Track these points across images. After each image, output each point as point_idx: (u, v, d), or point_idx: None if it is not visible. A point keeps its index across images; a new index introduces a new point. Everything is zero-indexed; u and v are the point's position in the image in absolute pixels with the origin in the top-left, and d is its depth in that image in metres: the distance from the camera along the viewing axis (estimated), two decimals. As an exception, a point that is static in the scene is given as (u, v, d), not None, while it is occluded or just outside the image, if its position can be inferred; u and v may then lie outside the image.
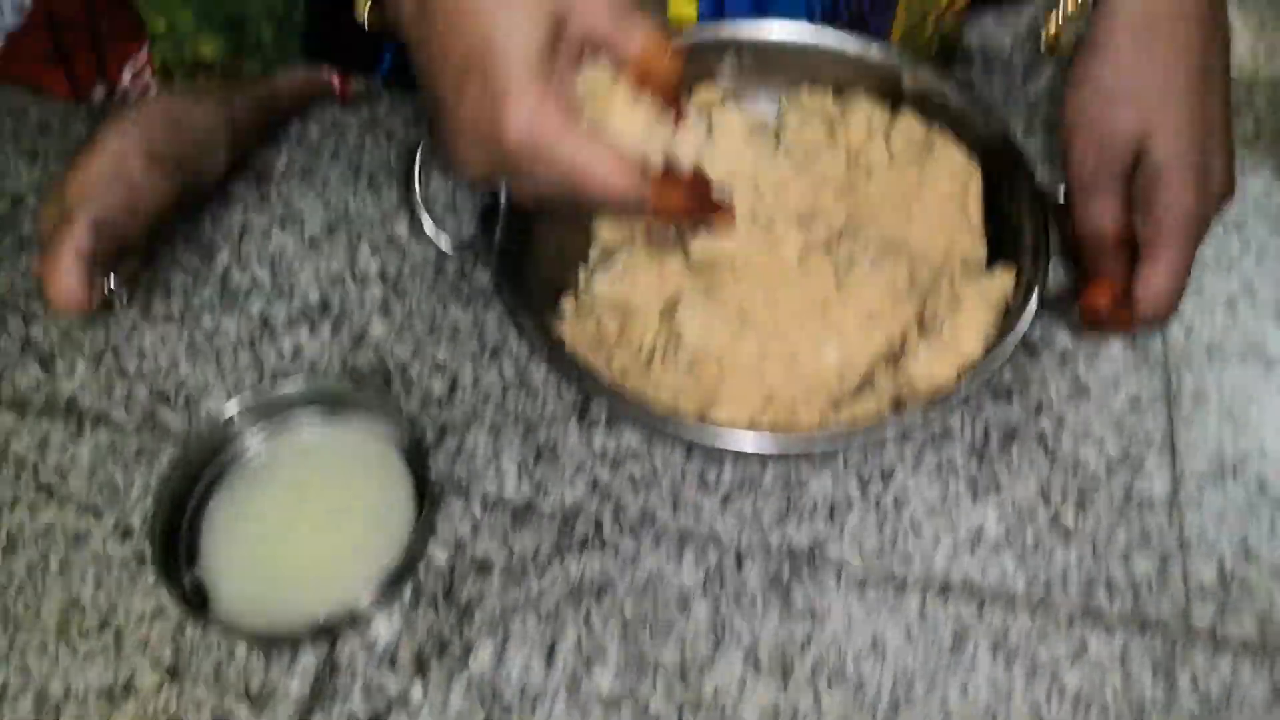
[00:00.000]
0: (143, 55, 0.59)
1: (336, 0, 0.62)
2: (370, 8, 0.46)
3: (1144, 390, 0.58)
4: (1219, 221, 0.52)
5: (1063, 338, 0.59)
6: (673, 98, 0.42)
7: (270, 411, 0.55)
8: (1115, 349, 0.59)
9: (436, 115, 0.43)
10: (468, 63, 0.40)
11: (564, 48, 0.40)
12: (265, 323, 0.61)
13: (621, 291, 0.53)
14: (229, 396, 0.58)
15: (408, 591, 0.51)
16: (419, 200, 0.53)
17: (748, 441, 0.47)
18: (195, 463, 0.53)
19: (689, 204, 0.43)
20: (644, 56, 0.41)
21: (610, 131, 0.41)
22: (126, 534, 0.53)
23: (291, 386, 0.54)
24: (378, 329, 0.61)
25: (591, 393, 0.51)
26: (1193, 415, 0.57)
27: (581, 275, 0.58)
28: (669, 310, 0.53)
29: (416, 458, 0.53)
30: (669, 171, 0.43)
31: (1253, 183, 0.68)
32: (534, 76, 0.39)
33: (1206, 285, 0.63)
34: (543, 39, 0.39)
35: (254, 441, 0.55)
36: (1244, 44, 0.77)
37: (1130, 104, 0.48)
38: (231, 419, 0.54)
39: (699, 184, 0.44)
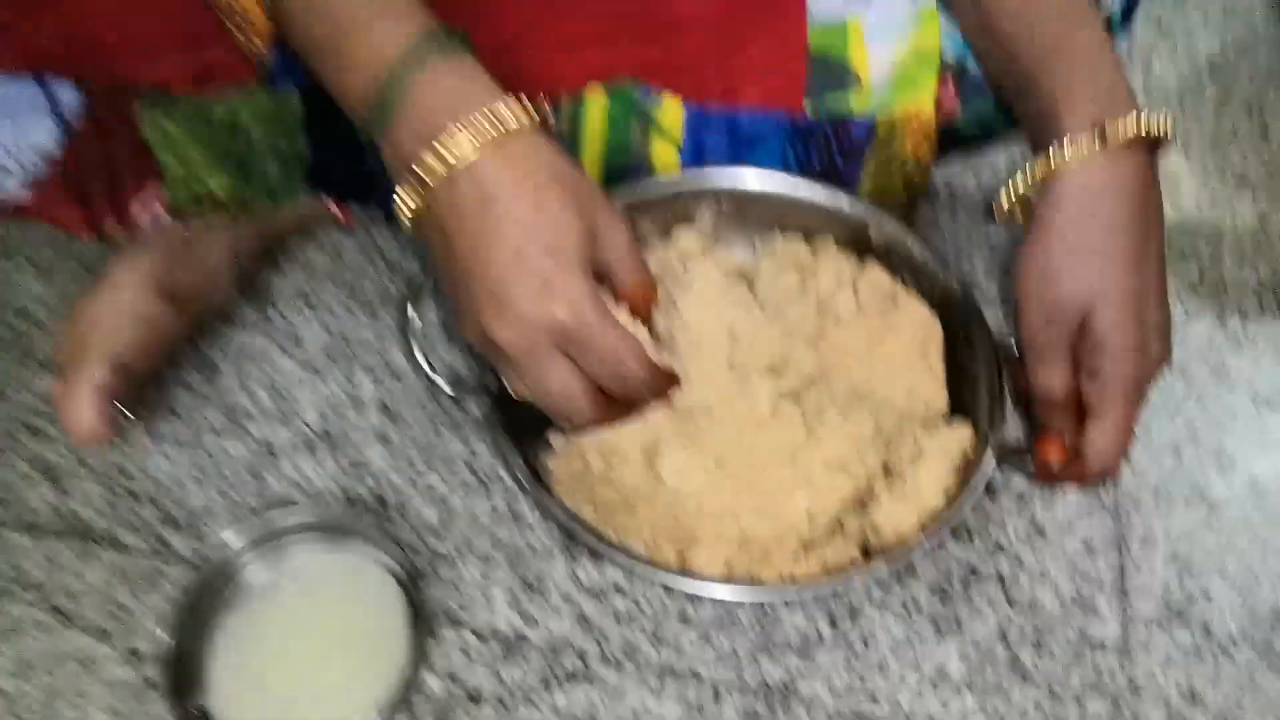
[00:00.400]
0: (155, 192, 0.63)
1: (336, 138, 0.67)
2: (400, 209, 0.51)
3: (1096, 533, 0.62)
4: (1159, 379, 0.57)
5: (1020, 481, 0.64)
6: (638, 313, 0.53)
7: (273, 540, 0.58)
8: (1069, 492, 0.64)
9: (465, 303, 0.49)
10: (520, 254, 0.46)
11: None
12: (268, 448, 0.64)
13: (606, 435, 0.57)
14: (234, 521, 0.61)
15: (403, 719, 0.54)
16: (416, 346, 0.57)
17: (722, 591, 0.52)
18: (202, 591, 0.56)
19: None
20: (638, 289, 0.51)
21: None
22: (136, 658, 0.56)
23: (293, 517, 0.58)
24: (375, 457, 0.64)
25: (575, 535, 0.55)
26: (1141, 558, 0.61)
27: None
28: (650, 453, 0.57)
29: (412, 586, 0.56)
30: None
31: (1196, 329, 0.74)
32: (581, 271, 0.46)
33: (1153, 430, 0.68)
34: (587, 247, 0.47)
35: (257, 570, 0.58)
36: (1189, 194, 0.84)
37: (1074, 279, 0.53)
38: (236, 549, 0.57)
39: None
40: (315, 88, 0.63)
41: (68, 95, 0.60)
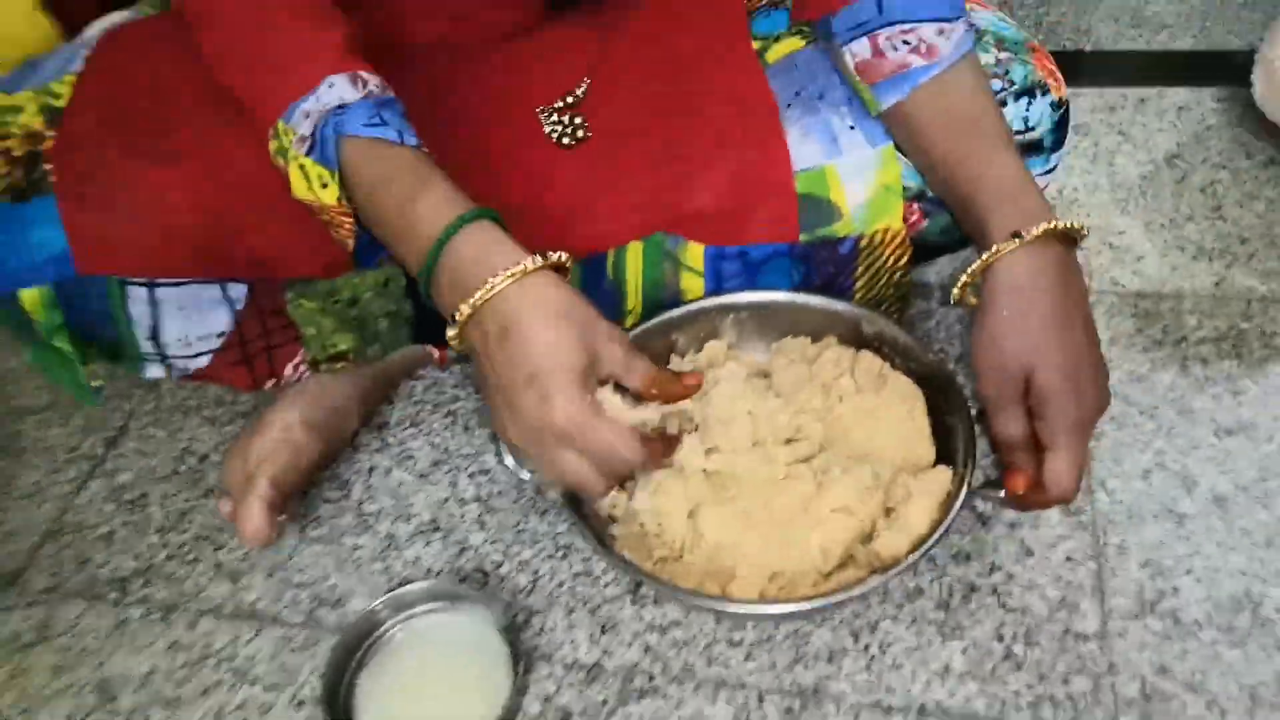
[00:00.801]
0: (299, 354, 0.82)
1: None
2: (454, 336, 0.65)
3: (1077, 548, 0.74)
4: (1107, 419, 0.69)
5: (1010, 511, 0.76)
6: (665, 398, 0.66)
7: (401, 606, 0.74)
8: (1053, 516, 0.76)
9: (497, 409, 0.63)
10: (531, 376, 0.59)
11: (592, 377, 0.62)
12: (391, 539, 0.81)
13: (656, 503, 0.72)
14: (369, 597, 0.77)
15: (509, 739, 0.68)
16: (503, 445, 0.74)
17: (759, 609, 0.65)
18: (349, 647, 0.72)
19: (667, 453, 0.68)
20: (644, 383, 0.65)
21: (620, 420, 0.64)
22: (300, 704, 0.72)
23: (415, 587, 0.74)
24: (476, 538, 0.80)
25: (639, 580, 0.69)
26: (1118, 566, 0.73)
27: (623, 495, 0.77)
28: (692, 514, 0.72)
29: (511, 635, 0.71)
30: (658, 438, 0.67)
31: (1162, 376, 0.86)
32: (576, 384, 0.60)
33: (1127, 461, 0.80)
34: (582, 364, 0.61)
35: (390, 629, 0.74)
36: (1152, 266, 0.97)
37: (1015, 345, 0.65)
38: (373, 611, 0.73)
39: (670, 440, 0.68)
40: None
41: (235, 289, 0.78)
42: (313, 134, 0.64)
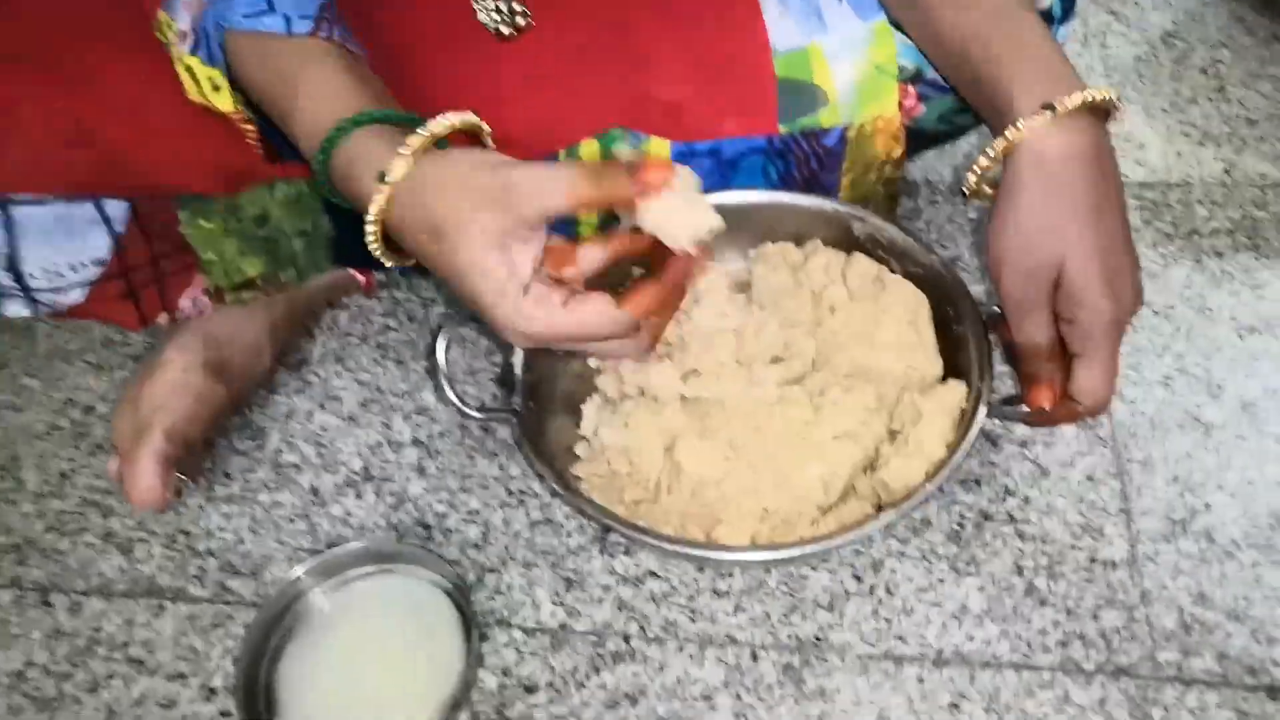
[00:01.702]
0: (198, 284, 0.72)
1: (353, 213, 0.75)
2: (382, 250, 0.57)
3: (1097, 466, 0.67)
4: (1136, 320, 0.62)
5: (1021, 429, 0.69)
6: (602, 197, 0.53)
7: (329, 571, 0.65)
8: (1069, 432, 0.69)
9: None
10: (472, 297, 0.53)
11: (516, 241, 0.52)
12: (315, 493, 0.72)
13: (627, 437, 0.64)
14: (290, 563, 0.68)
15: (465, 717, 0.60)
16: (444, 377, 0.64)
17: (751, 555, 0.57)
18: (268, 623, 0.62)
19: (667, 297, 0.56)
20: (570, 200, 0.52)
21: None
22: (212, 694, 0.62)
23: (346, 548, 0.65)
24: (415, 488, 0.71)
25: (610, 528, 0.61)
26: (1143, 483, 0.67)
27: (588, 421, 0.68)
28: (669, 448, 0.63)
29: (461, 597, 0.63)
30: (637, 287, 0.55)
31: (1176, 273, 0.80)
32: (510, 295, 0.52)
33: (1144, 367, 0.73)
34: (502, 264, 0.51)
35: (317, 599, 0.64)
36: (1156, 154, 0.90)
37: (1043, 238, 0.58)
38: (296, 580, 0.64)
39: (663, 282, 0.55)
40: None
41: (115, 208, 0.67)
42: (194, 26, 0.57)
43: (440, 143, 0.55)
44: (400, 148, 0.52)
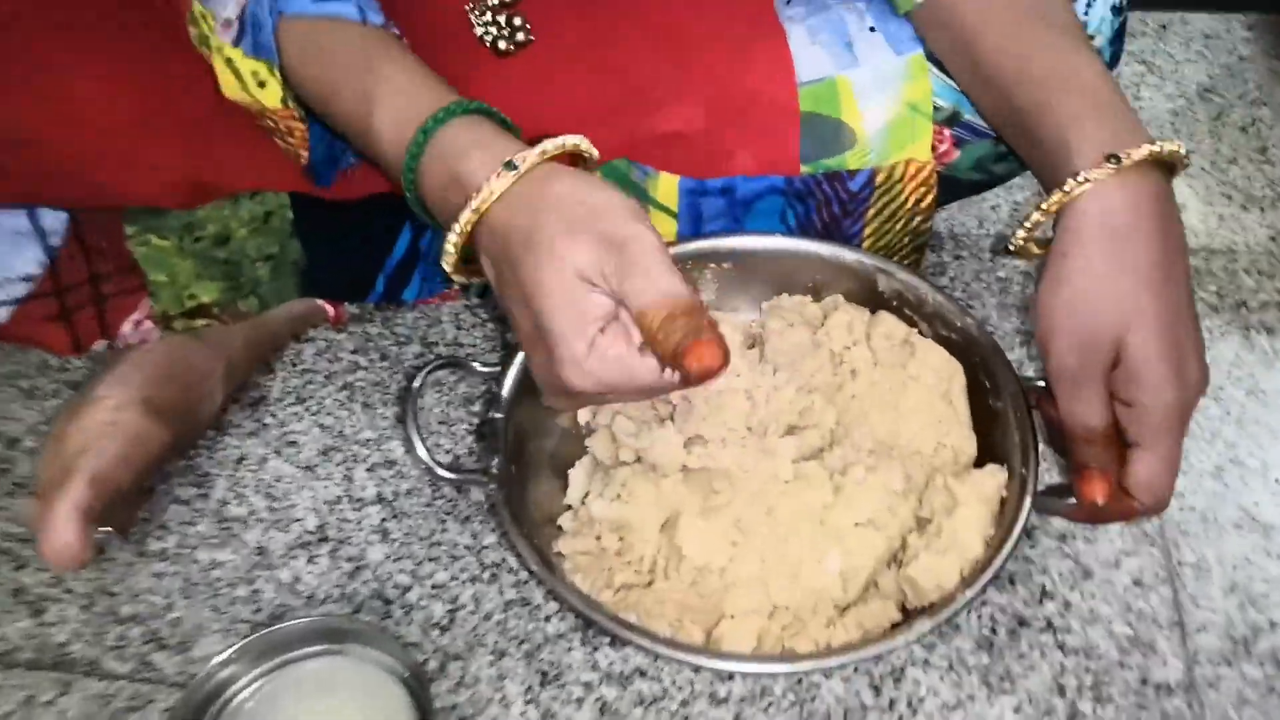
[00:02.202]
0: (143, 308, 0.63)
1: (328, 239, 0.67)
2: (456, 266, 0.51)
3: (1145, 568, 0.60)
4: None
5: (1058, 520, 0.62)
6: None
7: (266, 651, 0.56)
8: (1112, 527, 0.62)
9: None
10: (534, 326, 0.47)
11: (605, 287, 0.46)
12: (262, 553, 0.63)
13: (620, 510, 0.56)
14: (225, 636, 0.59)
15: (419, 837, 0.51)
16: (414, 429, 0.56)
17: (754, 666, 0.49)
18: (195, 710, 0.54)
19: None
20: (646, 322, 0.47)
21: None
22: (123, 794, 0.53)
23: (287, 625, 0.56)
24: (376, 553, 0.63)
25: (591, 622, 0.53)
26: (1197, 591, 0.59)
27: (575, 488, 0.60)
28: (668, 526, 0.55)
29: (419, 687, 0.54)
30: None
31: (1223, 349, 0.73)
32: (587, 332, 0.46)
33: (1192, 454, 0.66)
34: (588, 298, 0.46)
35: (250, 684, 0.55)
36: (1197, 216, 0.84)
37: (1103, 305, 0.52)
38: (226, 660, 0.55)
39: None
40: (304, 195, 0.64)
41: (52, 219, 0.60)
42: (241, 15, 0.53)
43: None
44: (516, 157, 0.48)
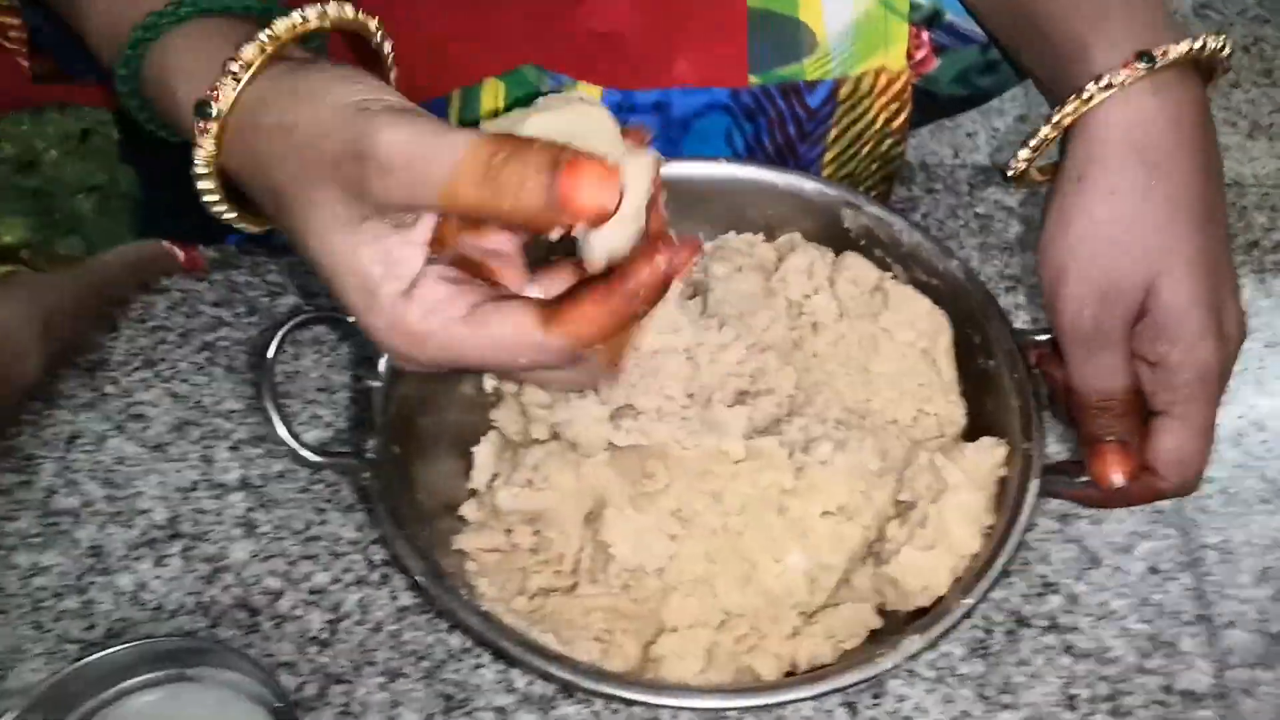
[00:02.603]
0: (-78, 252, 0.52)
1: (169, 166, 0.56)
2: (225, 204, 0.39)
3: (1162, 553, 0.53)
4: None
5: (1056, 502, 0.53)
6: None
7: (91, 683, 0.46)
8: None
9: None
10: (333, 298, 0.35)
11: (385, 225, 0.34)
12: (98, 555, 0.53)
13: (533, 499, 0.46)
14: (49, 660, 0.48)
15: None
16: (270, 400, 0.45)
17: (702, 702, 0.39)
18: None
19: (631, 308, 0.34)
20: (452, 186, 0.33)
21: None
22: None
23: (116, 649, 0.45)
24: (240, 551, 0.53)
25: (498, 651, 0.43)
26: (1225, 579, 0.52)
27: (480, 471, 0.50)
28: (593, 518, 0.46)
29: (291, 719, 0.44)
30: (579, 295, 0.35)
31: (1235, 295, 0.65)
32: (383, 302, 0.34)
33: (1207, 418, 0.58)
34: (369, 255, 0.34)
35: (80, 722, 0.45)
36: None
37: (1134, 245, 0.43)
38: (34, 707, 0.44)
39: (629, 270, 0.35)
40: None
41: None
42: None
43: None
44: (230, 61, 0.35)
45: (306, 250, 0.35)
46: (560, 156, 0.31)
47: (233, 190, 0.38)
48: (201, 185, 0.37)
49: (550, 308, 0.34)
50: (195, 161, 0.36)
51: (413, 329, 0.34)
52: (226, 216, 0.38)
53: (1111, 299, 0.44)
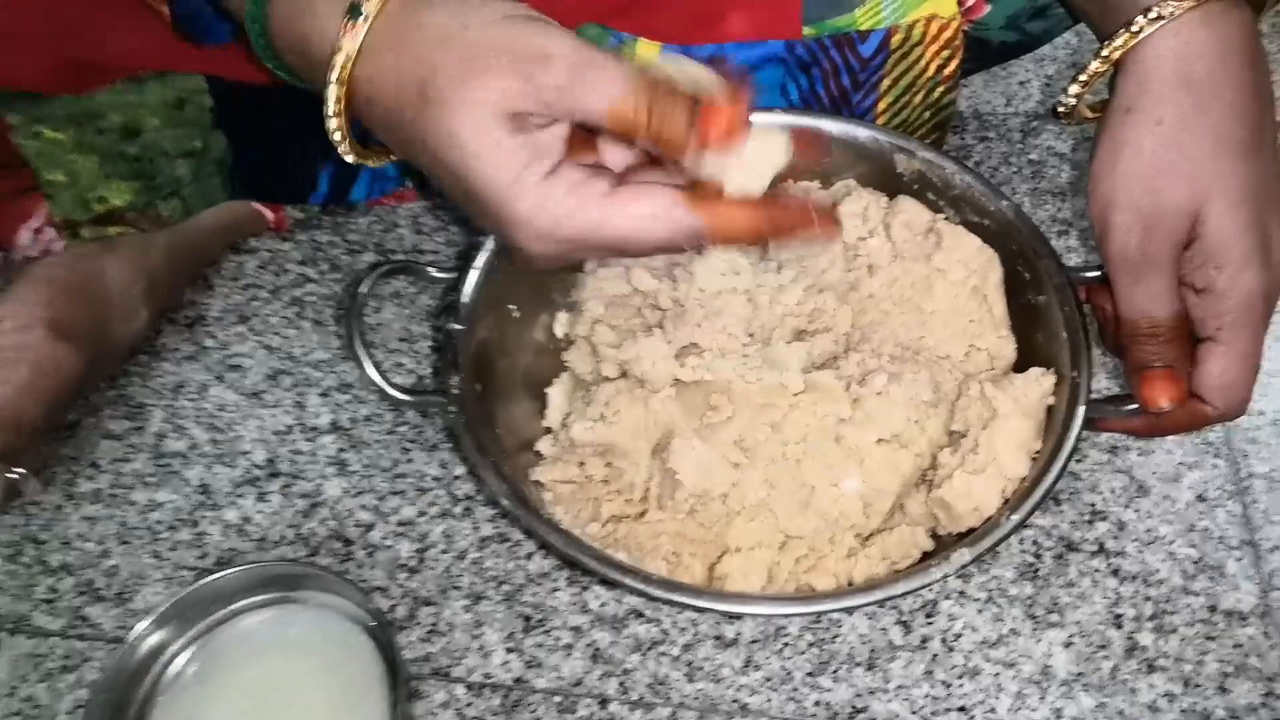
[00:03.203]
0: (42, 213, 0.55)
1: (259, 130, 0.59)
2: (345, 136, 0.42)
3: (1210, 482, 0.54)
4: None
5: (1107, 434, 0.55)
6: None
7: (205, 604, 0.50)
8: (1169, 437, 0.55)
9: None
10: (462, 189, 0.38)
11: (537, 119, 0.37)
12: (206, 493, 0.56)
13: (605, 432, 0.49)
14: (168, 585, 0.53)
15: (386, 808, 0.45)
16: (360, 343, 0.49)
17: (765, 609, 0.43)
18: (125, 683, 0.47)
19: (762, 221, 0.39)
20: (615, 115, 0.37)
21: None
22: (51, 766, 0.47)
23: (226, 573, 0.49)
24: (333, 488, 0.56)
25: (575, 563, 0.46)
26: (1271, 506, 0.53)
27: (554, 409, 0.53)
28: (661, 449, 0.49)
29: (385, 637, 0.48)
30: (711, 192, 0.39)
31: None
32: (530, 182, 0.37)
33: (1258, 352, 0.59)
34: (518, 141, 0.37)
35: (188, 646, 0.49)
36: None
37: (1181, 173, 0.44)
38: (158, 622, 0.48)
39: (769, 199, 0.39)
40: (223, 78, 0.55)
41: None
42: None
43: None
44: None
45: (445, 135, 0.37)
46: (704, 101, 0.37)
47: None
48: (331, 94, 0.39)
49: (691, 192, 0.38)
50: (332, 69, 0.38)
51: (558, 205, 0.37)
52: (340, 140, 0.41)
53: (1159, 225, 0.45)
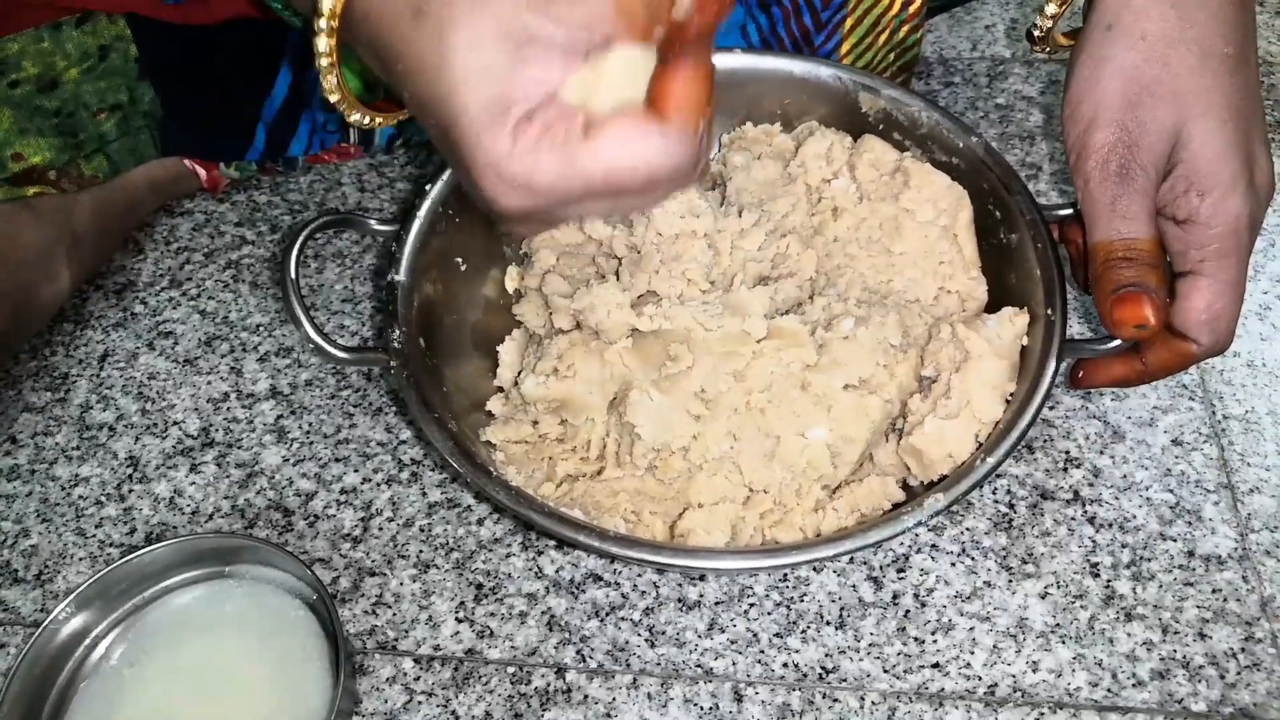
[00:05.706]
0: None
1: (190, 82, 0.56)
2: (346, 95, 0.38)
3: (1185, 425, 0.52)
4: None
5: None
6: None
7: (136, 584, 0.47)
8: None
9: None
10: (444, 120, 0.33)
11: (536, 49, 0.33)
12: (134, 465, 0.54)
13: (558, 387, 0.47)
14: (92, 564, 0.50)
15: (331, 789, 0.43)
16: (296, 300, 0.46)
17: (729, 562, 0.41)
18: (43, 669, 0.45)
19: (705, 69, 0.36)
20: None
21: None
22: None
23: (153, 548, 0.47)
24: (271, 456, 0.53)
25: (530, 524, 0.44)
26: (1247, 448, 0.51)
27: (505, 367, 0.51)
28: (618, 402, 0.46)
29: (328, 612, 0.45)
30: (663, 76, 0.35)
31: (1262, 172, 0.64)
32: (508, 119, 0.32)
33: (1233, 294, 0.58)
34: (507, 67, 0.32)
35: (112, 629, 0.47)
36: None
37: (1165, 89, 0.43)
38: (78, 605, 0.45)
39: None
40: (150, 21, 0.52)
41: None
42: None
43: None
44: None
45: (435, 57, 0.33)
46: None
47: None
48: (321, 25, 0.35)
49: (651, 106, 0.34)
50: (322, 7, 0.34)
51: (531, 146, 0.33)
52: (332, 85, 0.37)
53: (1141, 143, 0.43)
